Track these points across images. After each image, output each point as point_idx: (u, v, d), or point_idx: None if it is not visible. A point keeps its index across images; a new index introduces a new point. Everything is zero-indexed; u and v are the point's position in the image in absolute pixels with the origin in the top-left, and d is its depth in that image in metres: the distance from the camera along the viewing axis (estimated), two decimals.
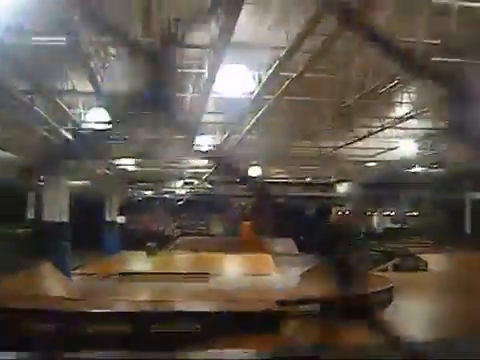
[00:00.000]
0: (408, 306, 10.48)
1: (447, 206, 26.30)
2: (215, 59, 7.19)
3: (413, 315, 9.91)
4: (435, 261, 17.65)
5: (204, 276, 14.63)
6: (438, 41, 7.02)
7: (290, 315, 8.68)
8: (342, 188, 25.82)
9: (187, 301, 10.25)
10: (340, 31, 6.16)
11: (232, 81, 8.41)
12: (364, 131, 13.15)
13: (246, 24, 6.73)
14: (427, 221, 28.70)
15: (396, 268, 17.68)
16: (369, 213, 30.93)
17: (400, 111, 11.62)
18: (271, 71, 7.67)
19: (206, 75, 8.07)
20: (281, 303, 8.85)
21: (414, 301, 10.98)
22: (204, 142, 13.45)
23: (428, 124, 13.02)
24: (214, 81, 7.91)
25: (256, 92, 8.57)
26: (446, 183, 22.08)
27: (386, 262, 18.10)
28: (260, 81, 8.34)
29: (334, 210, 32.40)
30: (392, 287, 11.03)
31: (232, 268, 16.49)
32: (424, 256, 18.06)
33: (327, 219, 31.74)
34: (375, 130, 12.80)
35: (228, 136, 12.64)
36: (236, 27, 6.06)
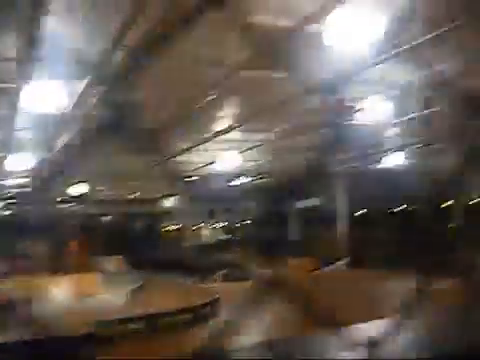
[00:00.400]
0: (232, 315, 10.62)
1: (273, 215, 27.36)
2: (23, 73, 6.85)
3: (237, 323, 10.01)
4: (263, 269, 18.22)
5: (26, 302, 13.86)
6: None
7: (115, 335, 8.45)
8: (169, 203, 25.98)
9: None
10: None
11: (44, 97, 8.03)
12: (186, 145, 13.29)
13: (58, 36, 6.44)
14: (255, 231, 29.65)
15: (225, 278, 18.03)
16: (200, 225, 31.30)
17: (222, 124, 11.84)
18: (83, 86, 7.46)
19: (15, 90, 7.67)
20: (100, 324, 8.58)
21: (238, 310, 11.16)
22: (17, 161, 12.76)
23: (251, 136, 13.39)
24: (23, 97, 7.54)
25: (69, 108, 8.29)
26: (271, 193, 22.97)
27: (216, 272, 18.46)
28: (73, 97, 8.06)
29: (161, 225, 32.55)
30: (218, 298, 11.10)
31: (57, 291, 15.77)
32: (253, 265, 18.53)
33: (155, 235, 31.71)
34: (196, 144, 12.98)
35: (45, 154, 12.14)
36: (47, 39, 5.81)
